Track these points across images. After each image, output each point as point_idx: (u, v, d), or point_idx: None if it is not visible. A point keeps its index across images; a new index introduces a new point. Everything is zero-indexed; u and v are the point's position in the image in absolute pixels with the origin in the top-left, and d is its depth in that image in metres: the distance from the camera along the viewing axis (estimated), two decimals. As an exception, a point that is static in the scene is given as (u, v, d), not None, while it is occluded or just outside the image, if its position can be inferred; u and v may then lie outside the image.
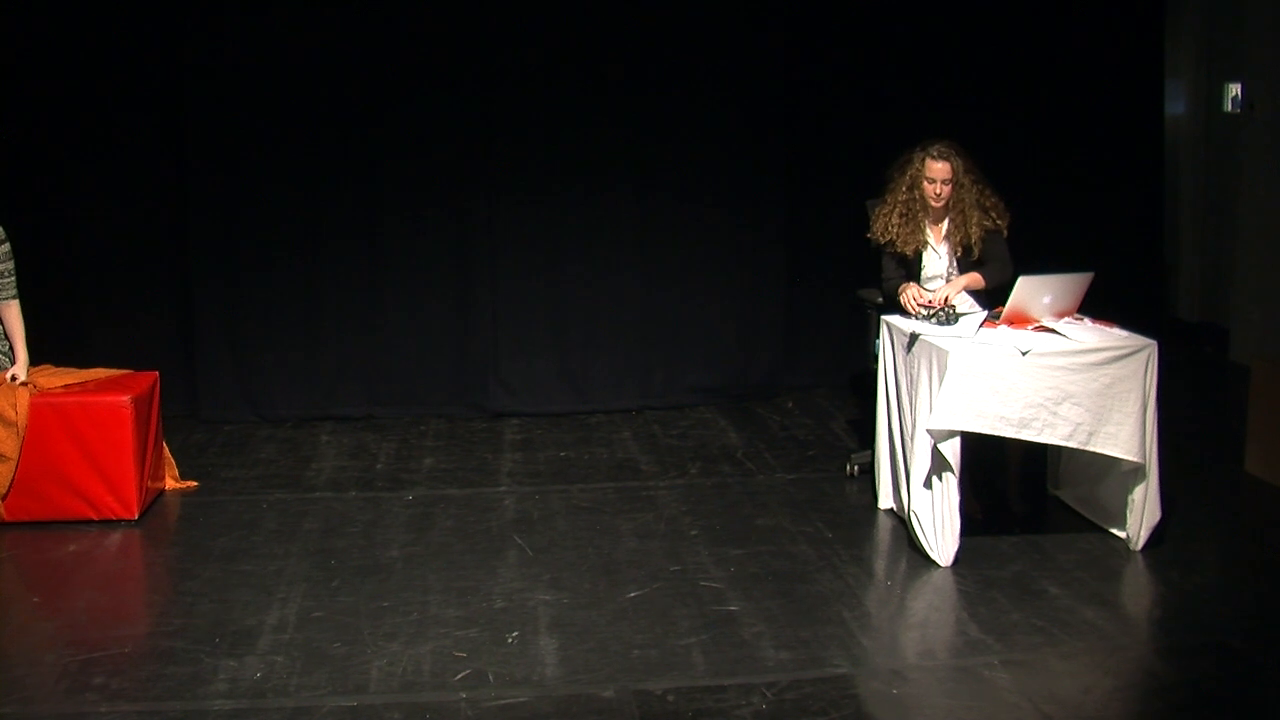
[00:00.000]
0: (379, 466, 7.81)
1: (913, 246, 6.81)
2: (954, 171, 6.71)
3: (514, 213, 8.85)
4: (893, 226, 6.81)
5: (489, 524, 6.77)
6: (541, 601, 5.75)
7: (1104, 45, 9.60)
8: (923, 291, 6.68)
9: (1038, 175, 9.30)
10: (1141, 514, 6.22)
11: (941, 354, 6.07)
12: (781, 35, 8.97)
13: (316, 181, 8.68)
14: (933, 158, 6.74)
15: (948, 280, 6.78)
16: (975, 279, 6.69)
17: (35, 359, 6.97)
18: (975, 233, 6.72)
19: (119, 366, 7.28)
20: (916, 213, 6.79)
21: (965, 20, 9.30)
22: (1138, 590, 6.00)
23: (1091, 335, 6.26)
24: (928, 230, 6.85)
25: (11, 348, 6.88)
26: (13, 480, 6.68)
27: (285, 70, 8.56)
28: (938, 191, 6.73)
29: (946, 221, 6.81)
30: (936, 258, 6.85)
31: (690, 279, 9.05)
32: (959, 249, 6.78)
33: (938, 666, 5.20)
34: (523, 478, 7.58)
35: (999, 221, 6.77)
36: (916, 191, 6.78)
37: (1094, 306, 6.61)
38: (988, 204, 6.76)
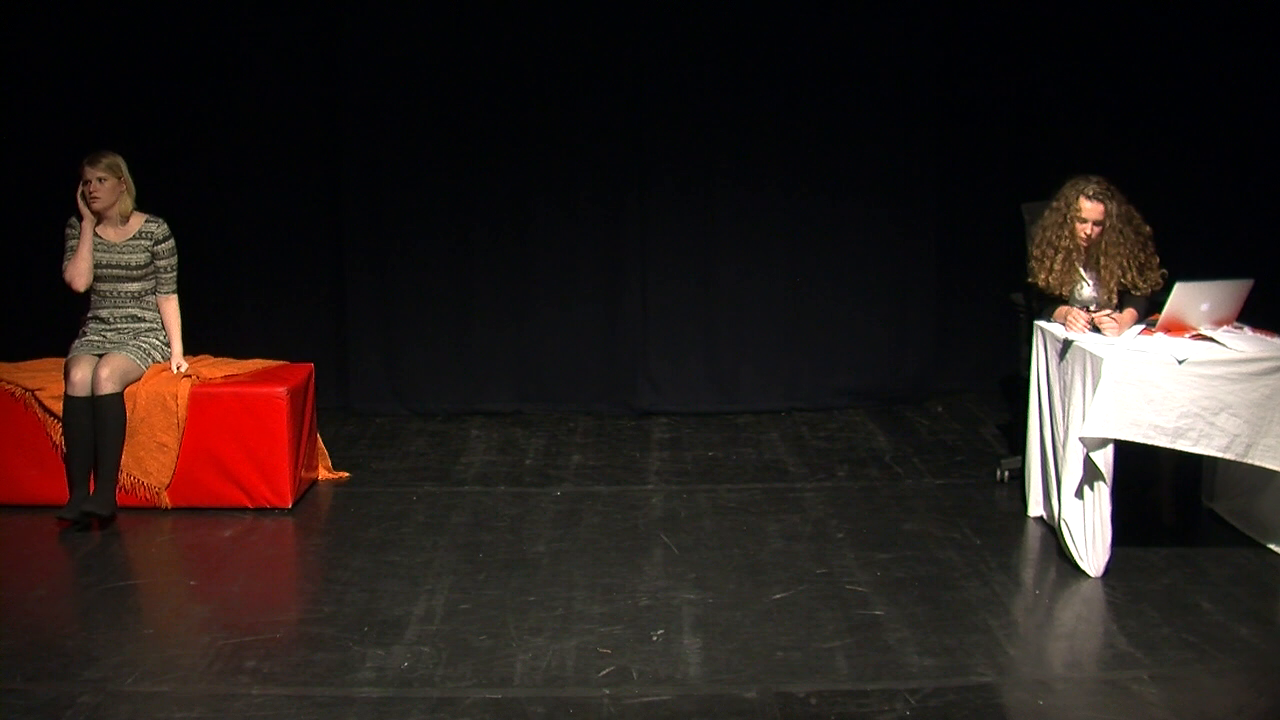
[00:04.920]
0: (527, 462, 7.89)
1: (1068, 288, 6.64)
2: (1107, 214, 6.51)
3: (665, 210, 8.89)
4: (1055, 273, 6.62)
5: (635, 522, 6.81)
6: (686, 600, 5.76)
7: (1262, 44, 9.34)
8: (1083, 315, 6.48)
9: (1193, 179, 9.07)
10: (1301, 529, 6.09)
11: (1096, 361, 5.97)
12: (935, 34, 8.88)
13: (468, 176, 8.79)
14: (1087, 197, 6.52)
15: (1100, 307, 6.62)
16: (1133, 314, 6.51)
17: (196, 349, 7.17)
18: (1118, 284, 6.58)
19: (275, 358, 7.44)
20: (1071, 253, 6.61)
21: (1120, 23, 9.09)
22: (1295, 608, 5.87)
23: (1251, 344, 6.12)
24: (1079, 268, 6.67)
25: (169, 340, 7.07)
26: (174, 468, 6.86)
27: (438, 64, 8.69)
28: (1088, 233, 6.53)
29: (1095, 260, 6.61)
30: (1088, 287, 6.70)
31: (840, 280, 9.01)
32: (1107, 294, 6.62)
33: (1085, 679, 5.13)
34: (670, 476, 7.61)
35: (1141, 288, 6.58)
36: (1067, 229, 6.57)
37: (1254, 314, 6.46)
38: (1144, 259, 6.56)
